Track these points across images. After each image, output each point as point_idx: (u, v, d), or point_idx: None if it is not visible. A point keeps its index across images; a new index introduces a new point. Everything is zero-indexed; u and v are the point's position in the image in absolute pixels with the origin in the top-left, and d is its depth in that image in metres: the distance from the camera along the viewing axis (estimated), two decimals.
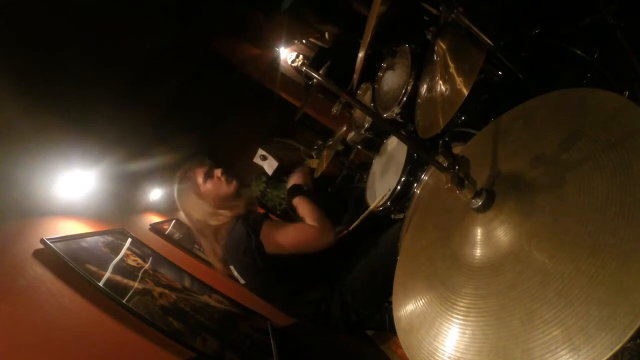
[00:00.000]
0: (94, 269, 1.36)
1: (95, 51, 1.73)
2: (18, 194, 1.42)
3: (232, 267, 1.44)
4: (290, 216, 3.24)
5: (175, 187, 1.51)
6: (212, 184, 1.47)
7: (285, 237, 1.31)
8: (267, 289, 1.49)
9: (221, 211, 1.41)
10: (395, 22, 1.55)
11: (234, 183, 1.51)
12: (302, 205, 1.45)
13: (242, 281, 1.44)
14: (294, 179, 1.68)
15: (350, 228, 1.54)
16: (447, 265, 0.67)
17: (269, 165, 3.08)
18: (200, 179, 1.48)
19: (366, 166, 2.01)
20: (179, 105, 2.79)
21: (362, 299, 1.37)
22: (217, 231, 1.39)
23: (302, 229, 1.36)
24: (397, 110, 1.48)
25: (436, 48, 1.24)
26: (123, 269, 1.50)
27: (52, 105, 1.52)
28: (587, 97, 0.64)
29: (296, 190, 1.54)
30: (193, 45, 2.73)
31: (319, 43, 2.53)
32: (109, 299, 1.25)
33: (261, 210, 2.32)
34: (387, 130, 1.76)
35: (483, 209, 0.62)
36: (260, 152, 3.10)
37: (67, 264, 1.28)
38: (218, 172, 1.51)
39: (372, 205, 1.50)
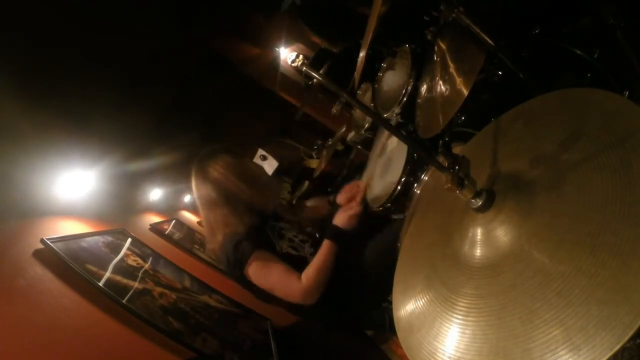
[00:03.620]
0: (94, 269, 1.36)
1: (95, 51, 1.73)
2: (18, 194, 1.42)
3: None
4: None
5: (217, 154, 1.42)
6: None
7: (267, 280, 1.26)
8: (264, 295, 1.48)
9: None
10: (395, 22, 1.55)
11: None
12: (323, 252, 1.29)
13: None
14: (345, 221, 1.35)
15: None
16: (447, 265, 0.67)
17: (269, 165, 3.08)
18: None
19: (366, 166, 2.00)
20: (178, 105, 2.79)
21: (359, 298, 1.37)
22: (227, 221, 1.34)
23: (287, 279, 1.25)
24: (397, 110, 1.48)
25: (436, 48, 1.24)
26: (123, 269, 1.51)
27: (52, 105, 1.52)
28: (587, 97, 0.64)
29: (337, 235, 1.31)
30: (193, 45, 2.74)
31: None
32: (109, 299, 1.25)
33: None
34: (387, 130, 1.76)
35: (483, 209, 0.62)
36: (260, 152, 3.10)
37: (67, 264, 1.28)
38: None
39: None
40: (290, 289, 1.25)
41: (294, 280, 1.25)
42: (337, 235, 1.31)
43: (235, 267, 1.26)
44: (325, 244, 1.30)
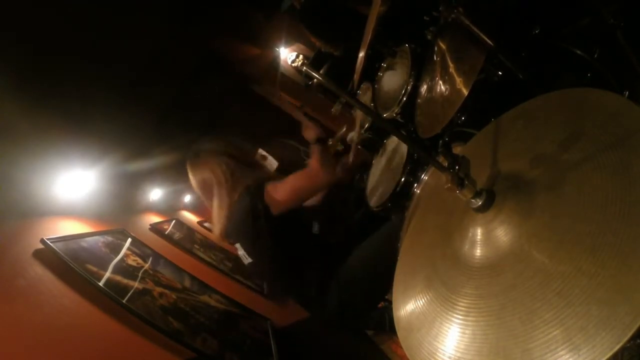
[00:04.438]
0: (94, 269, 1.36)
1: (95, 51, 1.73)
2: (18, 194, 1.42)
3: (237, 245, 1.44)
4: None
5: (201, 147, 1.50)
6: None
7: (287, 185, 1.33)
8: (269, 266, 1.49)
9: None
10: (395, 22, 1.55)
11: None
12: (315, 151, 1.45)
13: (247, 260, 1.44)
14: (315, 132, 1.57)
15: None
16: (447, 265, 0.67)
17: (269, 165, 3.08)
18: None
19: (366, 166, 2.00)
20: (178, 105, 2.79)
21: (359, 296, 1.38)
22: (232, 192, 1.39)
23: (301, 172, 1.38)
24: (397, 110, 1.48)
25: (436, 48, 1.24)
26: (123, 269, 1.51)
27: (52, 105, 1.52)
28: (587, 97, 0.64)
29: (320, 141, 1.53)
30: (193, 45, 2.73)
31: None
32: (109, 299, 1.25)
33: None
34: (387, 130, 1.76)
35: (483, 209, 0.62)
36: (260, 152, 3.10)
37: (67, 264, 1.28)
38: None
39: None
40: (309, 171, 1.36)
41: (306, 168, 1.38)
42: (319, 141, 1.52)
43: (256, 200, 1.32)
44: (314, 148, 1.48)
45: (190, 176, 1.47)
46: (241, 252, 1.44)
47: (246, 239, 1.40)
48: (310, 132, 1.59)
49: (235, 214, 1.35)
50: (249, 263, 1.46)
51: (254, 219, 1.30)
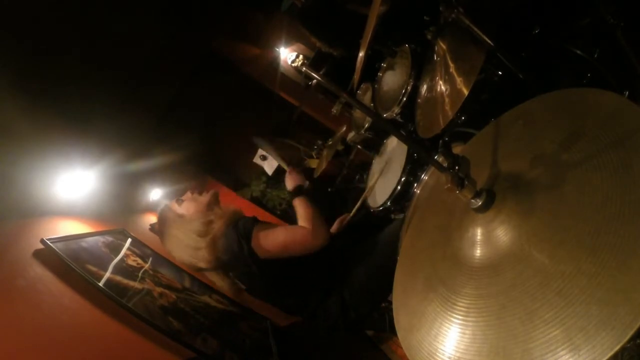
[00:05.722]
0: (94, 269, 1.36)
1: (95, 51, 1.73)
2: (18, 194, 1.42)
3: (231, 274, 1.44)
4: (290, 216, 3.25)
5: (161, 230, 1.50)
6: (187, 203, 1.48)
7: (276, 240, 1.31)
8: (267, 293, 1.48)
9: (210, 218, 1.40)
10: (395, 22, 1.55)
11: (209, 192, 1.53)
12: (300, 206, 1.44)
13: (242, 287, 1.45)
14: (294, 180, 1.62)
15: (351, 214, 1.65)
16: (447, 265, 0.67)
17: (269, 165, 3.08)
18: (175, 207, 1.48)
19: (366, 166, 2.01)
20: (178, 105, 2.79)
21: (361, 297, 1.38)
22: (211, 244, 1.37)
23: (293, 231, 1.35)
24: (397, 110, 1.48)
25: (436, 48, 1.24)
26: (123, 269, 1.50)
27: (52, 105, 1.52)
28: (587, 97, 0.64)
29: (298, 192, 1.51)
30: (193, 45, 2.74)
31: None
32: (109, 299, 1.25)
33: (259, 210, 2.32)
34: (387, 130, 1.76)
35: (483, 209, 0.62)
36: (260, 152, 3.10)
37: (67, 264, 1.28)
38: (188, 193, 1.53)
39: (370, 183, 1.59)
40: (301, 236, 1.32)
41: (299, 228, 1.35)
42: (297, 192, 1.49)
43: (242, 243, 1.29)
44: (296, 202, 1.46)
45: (168, 223, 1.48)
46: (236, 280, 1.45)
47: (237, 272, 1.41)
48: (289, 181, 1.62)
49: (220, 249, 1.35)
50: (245, 289, 1.47)
51: (239, 259, 1.31)
